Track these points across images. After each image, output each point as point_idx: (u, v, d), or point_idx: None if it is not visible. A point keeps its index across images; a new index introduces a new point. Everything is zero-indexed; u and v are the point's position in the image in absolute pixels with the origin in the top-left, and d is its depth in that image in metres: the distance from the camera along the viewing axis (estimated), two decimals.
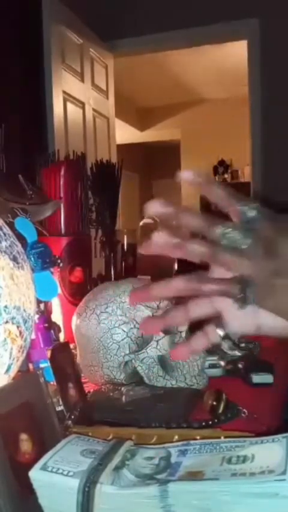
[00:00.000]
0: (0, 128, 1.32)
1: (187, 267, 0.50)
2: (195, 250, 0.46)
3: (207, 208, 0.53)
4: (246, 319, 0.49)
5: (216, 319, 0.50)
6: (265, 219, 0.46)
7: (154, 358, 0.91)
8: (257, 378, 0.97)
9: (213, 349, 1.10)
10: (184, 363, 0.92)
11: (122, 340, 0.91)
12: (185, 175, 0.47)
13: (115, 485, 0.44)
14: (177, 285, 0.47)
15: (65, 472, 0.45)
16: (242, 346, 1.20)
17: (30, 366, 0.89)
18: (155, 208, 0.47)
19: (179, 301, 0.50)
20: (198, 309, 0.50)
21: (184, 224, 0.47)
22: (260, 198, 0.51)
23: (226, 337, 0.50)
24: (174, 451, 0.48)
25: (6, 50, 2.88)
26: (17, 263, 0.64)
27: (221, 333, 0.50)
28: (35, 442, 0.53)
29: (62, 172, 1.36)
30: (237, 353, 1.10)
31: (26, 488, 0.46)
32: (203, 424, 0.74)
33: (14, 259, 0.64)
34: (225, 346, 1.08)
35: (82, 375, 0.92)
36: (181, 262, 0.50)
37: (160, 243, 0.46)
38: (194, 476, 0.44)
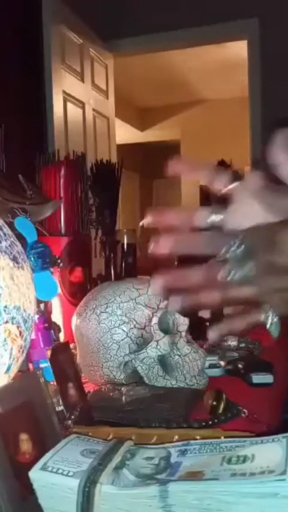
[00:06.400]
0: (0, 128, 1.32)
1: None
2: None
3: (207, 204, 0.53)
4: None
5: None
6: (254, 244, 0.46)
7: (154, 358, 0.91)
8: (257, 378, 0.97)
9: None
10: (184, 363, 0.92)
11: (122, 340, 0.91)
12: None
13: (115, 485, 0.44)
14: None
15: (65, 472, 0.45)
16: (242, 346, 1.20)
17: (30, 366, 0.89)
18: (150, 220, 0.48)
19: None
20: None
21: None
22: (261, 165, 0.51)
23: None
24: (174, 451, 0.48)
25: (6, 50, 2.88)
26: (17, 263, 0.64)
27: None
28: (35, 442, 0.53)
29: (62, 172, 1.36)
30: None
31: (26, 489, 0.46)
32: (203, 424, 0.73)
33: (14, 259, 0.64)
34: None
35: (82, 375, 0.92)
36: (182, 262, 0.51)
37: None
38: (194, 476, 0.44)
